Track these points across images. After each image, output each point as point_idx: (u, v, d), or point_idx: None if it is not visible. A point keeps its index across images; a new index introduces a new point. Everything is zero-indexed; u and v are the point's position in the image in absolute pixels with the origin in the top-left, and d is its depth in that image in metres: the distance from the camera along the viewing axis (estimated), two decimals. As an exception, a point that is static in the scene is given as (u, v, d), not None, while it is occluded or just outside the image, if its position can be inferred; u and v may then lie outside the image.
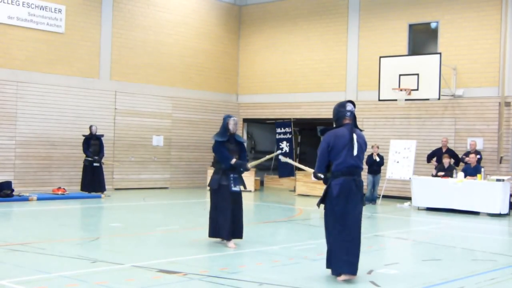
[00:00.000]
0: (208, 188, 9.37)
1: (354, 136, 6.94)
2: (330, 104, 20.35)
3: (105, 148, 17.37)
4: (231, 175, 8.96)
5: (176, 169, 20.79)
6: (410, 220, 12.67)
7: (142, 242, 9.53)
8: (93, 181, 16.72)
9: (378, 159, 16.91)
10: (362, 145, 7.02)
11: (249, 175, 20.06)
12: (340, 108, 7.07)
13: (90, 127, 17.03)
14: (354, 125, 7.04)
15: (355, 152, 6.90)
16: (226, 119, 9.12)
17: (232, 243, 8.92)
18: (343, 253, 6.79)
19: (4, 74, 16.76)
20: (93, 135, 16.95)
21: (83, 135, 17.05)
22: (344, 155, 6.88)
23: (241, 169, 9.06)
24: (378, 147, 17.24)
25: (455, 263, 8.47)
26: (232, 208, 8.95)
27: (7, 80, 16.82)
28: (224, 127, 9.07)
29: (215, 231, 9.07)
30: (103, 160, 17.08)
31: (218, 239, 9.16)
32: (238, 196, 9.07)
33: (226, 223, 8.87)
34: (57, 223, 11.57)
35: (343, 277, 6.84)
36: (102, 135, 17.39)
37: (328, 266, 7.05)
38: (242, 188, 9.13)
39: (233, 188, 8.96)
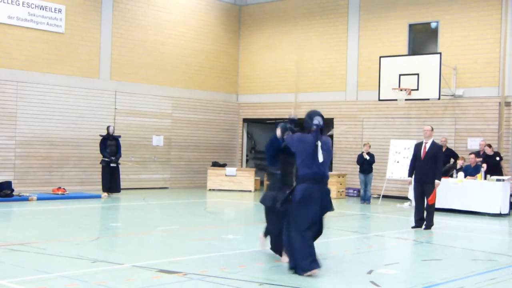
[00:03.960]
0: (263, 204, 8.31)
1: (319, 143, 7.20)
2: (330, 104, 20.49)
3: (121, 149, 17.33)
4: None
5: (176, 169, 20.80)
6: (410, 220, 12.66)
7: (142, 242, 9.53)
8: (110, 181, 16.70)
9: (368, 157, 16.81)
10: (327, 152, 7.29)
11: (249, 175, 20.08)
12: (308, 119, 7.37)
13: (108, 128, 16.95)
14: (320, 133, 7.28)
15: (320, 159, 7.17)
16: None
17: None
18: (306, 254, 7.07)
19: (4, 74, 16.77)
20: (110, 135, 16.90)
21: (100, 135, 16.98)
22: (309, 161, 7.16)
23: (296, 120, 8.06)
24: (369, 146, 17.16)
25: (455, 263, 8.47)
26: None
27: (7, 80, 16.83)
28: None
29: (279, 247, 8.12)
30: (119, 161, 17.05)
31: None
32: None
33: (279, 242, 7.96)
34: (57, 223, 11.58)
35: (313, 271, 7.07)
36: (119, 136, 17.36)
37: (295, 271, 7.16)
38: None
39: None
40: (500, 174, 15.10)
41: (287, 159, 7.98)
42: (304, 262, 7.08)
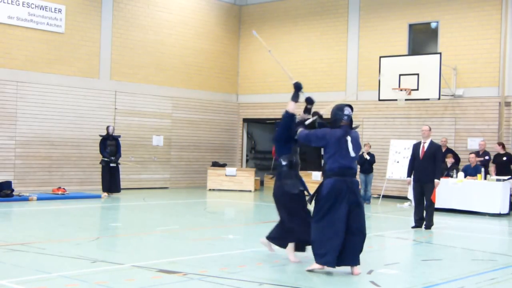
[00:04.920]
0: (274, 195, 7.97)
1: (349, 138, 7.19)
2: (330, 104, 20.40)
3: (121, 149, 17.33)
4: (302, 180, 7.89)
5: (176, 169, 20.80)
6: (410, 220, 12.65)
7: (142, 242, 9.53)
8: (110, 181, 16.70)
9: (368, 157, 16.81)
10: (357, 147, 7.26)
11: (249, 175, 20.08)
12: (337, 111, 7.38)
13: (107, 128, 16.95)
14: (350, 127, 7.32)
15: (351, 154, 7.17)
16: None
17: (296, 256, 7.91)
18: (327, 247, 7.07)
19: (4, 74, 16.77)
20: (110, 135, 16.90)
21: (100, 135, 16.99)
22: (338, 155, 7.15)
23: (301, 86, 7.93)
24: (370, 146, 17.16)
25: (455, 263, 8.46)
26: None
27: (7, 80, 16.82)
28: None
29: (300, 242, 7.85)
30: (119, 161, 17.05)
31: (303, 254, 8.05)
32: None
33: (307, 231, 7.48)
34: (57, 223, 11.58)
35: (317, 266, 7.17)
36: (119, 136, 17.36)
37: (316, 260, 7.22)
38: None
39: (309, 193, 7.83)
40: (508, 174, 15.08)
41: (296, 149, 7.90)
42: (317, 254, 7.16)
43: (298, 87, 7.97)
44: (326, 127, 7.42)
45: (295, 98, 7.96)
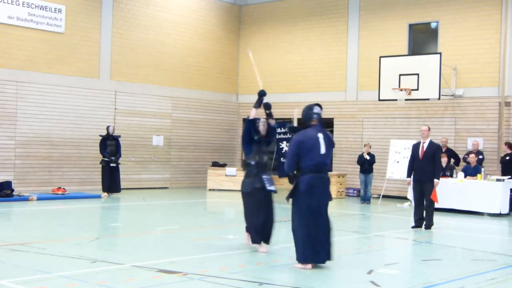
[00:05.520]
0: (241, 192, 8.88)
1: (321, 135, 7.60)
2: (330, 104, 20.48)
3: (121, 149, 17.33)
4: (263, 176, 8.68)
5: (176, 169, 20.79)
6: (410, 220, 12.65)
7: (142, 242, 9.53)
8: (110, 181, 16.70)
9: (368, 157, 16.81)
10: (329, 144, 7.66)
11: (249, 175, 20.06)
12: (308, 111, 7.76)
13: (107, 128, 16.96)
14: (321, 126, 7.72)
15: (322, 151, 7.54)
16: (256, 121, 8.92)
17: (264, 247, 8.61)
18: (309, 245, 7.40)
19: (4, 74, 16.77)
20: (110, 135, 16.90)
21: (100, 135, 17.00)
22: (312, 153, 7.52)
23: (265, 94, 8.96)
24: (370, 146, 17.16)
25: (455, 263, 8.46)
26: (266, 211, 8.62)
27: (7, 80, 16.82)
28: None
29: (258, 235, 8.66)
30: (119, 161, 17.04)
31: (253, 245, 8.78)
32: (271, 199, 8.74)
33: (260, 226, 8.55)
34: (57, 223, 11.58)
35: (307, 266, 7.44)
36: (119, 136, 17.36)
37: (297, 259, 7.55)
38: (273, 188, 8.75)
39: (268, 188, 8.61)
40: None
41: (260, 149, 8.84)
42: (300, 253, 7.49)
43: (261, 95, 8.95)
44: (298, 131, 7.85)
45: (256, 105, 8.93)
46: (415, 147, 12.02)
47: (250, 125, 8.83)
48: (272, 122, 8.93)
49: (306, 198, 7.45)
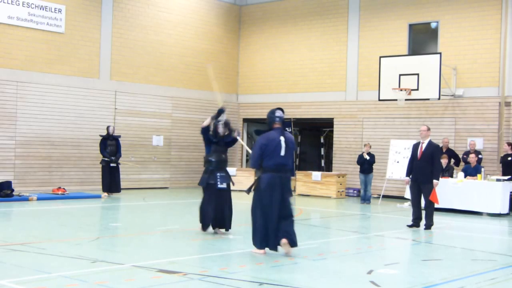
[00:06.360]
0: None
1: (282, 138, 8.34)
2: (330, 104, 20.50)
3: (122, 149, 17.33)
4: (217, 174, 10.04)
5: (176, 169, 20.79)
6: (410, 220, 12.65)
7: (142, 242, 9.53)
8: (110, 181, 16.70)
9: (368, 157, 16.81)
10: (290, 146, 8.40)
11: (249, 175, 20.07)
12: (271, 115, 8.52)
13: (107, 128, 16.96)
14: (283, 128, 8.48)
15: (282, 153, 8.30)
16: (216, 123, 10.37)
17: (221, 230, 10.16)
18: (264, 233, 8.30)
19: (4, 74, 16.77)
20: (110, 135, 16.90)
21: (100, 135, 17.00)
22: (273, 154, 8.29)
23: (224, 111, 10.40)
24: (370, 146, 17.16)
25: (455, 263, 8.46)
26: (217, 203, 10.06)
27: (7, 80, 16.83)
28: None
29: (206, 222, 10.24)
30: (119, 161, 17.04)
31: (211, 230, 10.25)
32: (225, 192, 10.13)
33: (210, 216, 10.10)
34: (57, 223, 11.58)
35: (260, 251, 8.34)
36: (119, 136, 17.36)
37: (254, 244, 8.42)
38: (228, 185, 10.19)
39: (219, 186, 10.04)
40: None
41: (218, 148, 10.19)
42: (257, 240, 8.34)
43: (220, 112, 10.40)
44: (261, 133, 8.54)
45: (213, 117, 10.37)
46: (415, 147, 12.04)
47: (204, 132, 10.26)
48: (234, 134, 10.45)
49: (266, 194, 8.27)
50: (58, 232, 10.38)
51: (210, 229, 10.26)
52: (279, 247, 8.38)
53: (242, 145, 9.03)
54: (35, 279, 6.59)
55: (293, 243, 8.32)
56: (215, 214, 10.10)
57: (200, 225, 10.35)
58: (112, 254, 8.27)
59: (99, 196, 16.37)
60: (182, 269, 7.24)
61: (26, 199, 15.02)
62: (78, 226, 11.09)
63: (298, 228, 11.82)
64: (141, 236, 10.14)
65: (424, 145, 11.84)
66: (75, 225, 11.24)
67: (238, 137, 10.61)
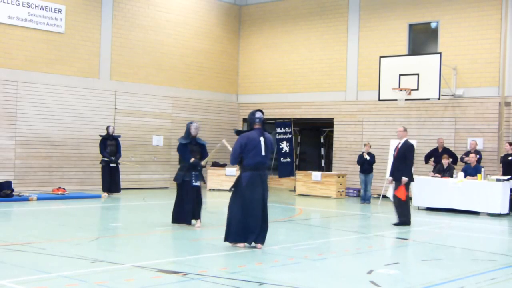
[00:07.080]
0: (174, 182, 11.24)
1: (262, 138, 8.79)
2: (330, 104, 20.50)
3: (121, 149, 17.32)
4: (193, 173, 10.91)
5: (176, 169, 20.65)
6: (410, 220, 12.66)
7: (142, 242, 9.54)
8: (110, 181, 16.70)
9: (368, 157, 16.81)
10: (269, 146, 8.86)
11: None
12: (251, 116, 8.94)
13: (107, 128, 16.95)
14: (262, 129, 8.89)
15: (262, 152, 8.75)
16: (188, 124, 11.02)
17: (198, 223, 11.01)
18: (240, 227, 8.72)
19: (4, 74, 16.77)
20: (110, 135, 16.90)
21: (100, 135, 17.00)
22: (253, 153, 8.69)
23: (199, 167, 10.93)
24: (370, 146, 17.16)
25: (455, 263, 8.47)
26: (193, 199, 10.94)
27: (7, 80, 16.83)
28: (188, 131, 10.97)
29: (178, 217, 11.10)
30: (119, 161, 17.04)
31: (183, 225, 11.00)
32: (198, 189, 11.03)
33: (189, 211, 10.94)
34: (57, 223, 11.58)
35: (240, 245, 8.76)
36: (119, 136, 17.36)
37: (226, 239, 8.88)
38: (202, 183, 11.15)
39: (194, 183, 10.91)
40: None
41: (193, 148, 10.96)
42: (234, 234, 8.73)
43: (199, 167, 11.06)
44: (241, 133, 8.99)
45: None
46: (395, 147, 12.72)
47: (182, 146, 10.96)
48: (203, 162, 11.09)
49: (246, 191, 8.69)
50: (58, 232, 10.38)
51: (193, 221, 11.10)
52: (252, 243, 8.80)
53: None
54: (35, 279, 6.60)
55: (262, 240, 8.81)
56: (193, 208, 11.03)
57: (179, 223, 11.12)
58: (112, 254, 8.27)
59: (99, 196, 16.37)
60: (182, 269, 7.24)
61: (26, 199, 15.02)
62: (78, 226, 11.09)
63: (298, 228, 11.87)
64: (141, 236, 10.14)
65: (399, 145, 12.43)
66: (75, 225, 11.24)
67: (223, 141, 10.97)
